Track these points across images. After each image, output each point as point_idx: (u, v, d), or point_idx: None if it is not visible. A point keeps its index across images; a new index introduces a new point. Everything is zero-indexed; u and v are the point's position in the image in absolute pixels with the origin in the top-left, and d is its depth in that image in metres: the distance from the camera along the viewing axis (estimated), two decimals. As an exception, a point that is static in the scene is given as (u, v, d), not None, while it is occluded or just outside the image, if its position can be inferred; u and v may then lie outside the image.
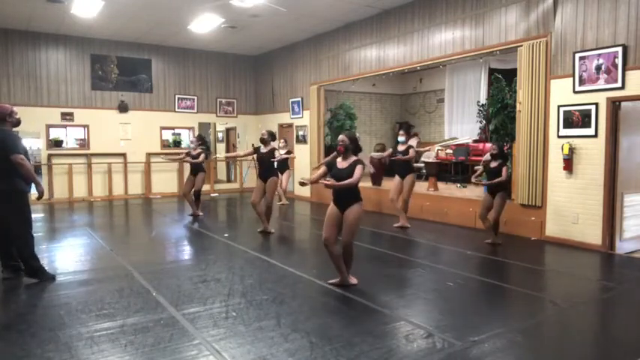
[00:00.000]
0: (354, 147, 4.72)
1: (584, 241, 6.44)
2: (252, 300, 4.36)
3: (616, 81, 6.01)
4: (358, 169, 4.57)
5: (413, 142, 11.47)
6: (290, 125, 12.77)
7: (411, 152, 7.78)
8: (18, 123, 5.00)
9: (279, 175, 8.35)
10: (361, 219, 4.66)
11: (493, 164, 6.50)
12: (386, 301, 4.37)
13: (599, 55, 6.17)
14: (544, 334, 3.84)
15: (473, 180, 7.01)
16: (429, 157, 11.16)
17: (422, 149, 11.93)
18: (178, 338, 3.51)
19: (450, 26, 8.29)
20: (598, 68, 6.20)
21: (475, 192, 8.96)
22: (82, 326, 3.74)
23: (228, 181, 15.29)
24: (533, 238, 7.01)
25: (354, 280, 4.80)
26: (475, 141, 11.36)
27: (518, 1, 7.18)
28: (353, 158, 4.68)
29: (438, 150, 11.76)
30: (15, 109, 5.00)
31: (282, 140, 10.95)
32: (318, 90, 11.56)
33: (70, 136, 12.02)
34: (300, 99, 12.29)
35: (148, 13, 9.77)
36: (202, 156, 9.05)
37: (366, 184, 10.53)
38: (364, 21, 10.11)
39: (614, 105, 6.13)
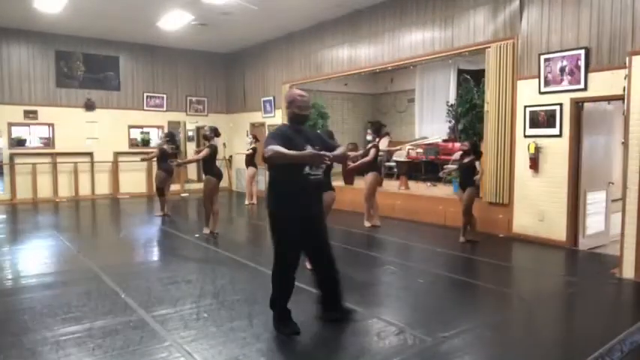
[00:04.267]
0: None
1: (549, 238, 6.62)
2: (223, 300, 4.33)
3: (579, 82, 6.20)
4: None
5: (384, 141, 11.58)
6: (262, 124, 12.70)
7: (372, 152, 7.75)
8: None
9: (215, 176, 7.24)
10: (329, 206, 4.94)
11: (466, 159, 6.63)
12: (358, 299, 4.39)
13: (563, 57, 6.36)
14: (512, 329, 3.94)
15: (441, 175, 7.24)
16: (400, 156, 11.28)
17: (393, 148, 12.05)
18: (148, 340, 3.45)
19: (420, 27, 8.39)
20: (562, 70, 6.38)
21: (444, 190, 9.10)
22: (47, 330, 3.63)
23: (199, 181, 15.08)
24: (501, 235, 7.17)
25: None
26: (444, 140, 11.55)
27: (486, 4, 7.33)
28: None
29: (408, 149, 11.89)
30: None
31: (251, 136, 10.91)
32: (290, 89, 11.51)
33: (33, 135, 11.65)
34: (272, 98, 12.23)
35: (115, 8, 9.54)
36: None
37: (338, 184, 10.57)
38: (336, 20, 10.13)
39: (577, 106, 6.32)
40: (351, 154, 8.16)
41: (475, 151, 6.67)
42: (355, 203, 9.64)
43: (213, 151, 7.05)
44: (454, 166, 6.90)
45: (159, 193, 9.05)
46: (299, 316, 3.97)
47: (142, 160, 10.14)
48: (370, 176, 7.78)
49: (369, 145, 7.92)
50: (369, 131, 8.20)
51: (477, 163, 6.59)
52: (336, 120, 14.16)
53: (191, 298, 4.39)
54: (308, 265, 5.21)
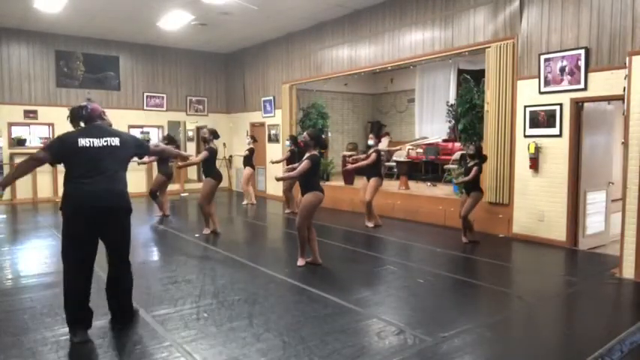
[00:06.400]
0: (315, 143, 5.30)
1: (549, 238, 6.62)
2: (223, 300, 4.32)
3: (579, 82, 6.20)
4: (303, 163, 5.16)
5: (384, 141, 11.59)
6: (262, 124, 12.70)
7: (372, 156, 7.79)
8: None
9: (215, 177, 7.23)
10: (310, 207, 5.21)
11: (470, 164, 6.62)
12: (358, 298, 4.40)
13: (563, 57, 6.36)
14: (512, 329, 3.94)
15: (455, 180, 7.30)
16: (400, 156, 11.29)
17: (393, 148, 12.06)
18: (148, 340, 3.45)
19: (420, 27, 8.39)
20: (562, 70, 6.38)
21: (444, 190, 9.10)
22: (47, 330, 3.63)
23: (199, 180, 15.08)
24: (501, 235, 7.17)
25: (299, 262, 5.43)
26: (444, 140, 11.55)
27: (486, 4, 7.32)
28: (309, 153, 5.26)
29: (409, 149, 11.90)
30: None
31: (249, 137, 10.90)
32: (290, 89, 11.53)
33: (33, 135, 11.65)
34: (272, 98, 12.23)
35: (115, 8, 9.54)
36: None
37: (338, 184, 10.59)
38: (336, 20, 10.13)
39: (577, 105, 6.32)
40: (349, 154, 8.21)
41: (479, 155, 6.65)
42: (355, 203, 9.64)
43: (212, 153, 7.10)
44: (456, 165, 6.90)
45: (152, 195, 9.07)
46: (299, 315, 3.97)
47: (140, 162, 10.11)
48: (373, 181, 7.80)
49: (371, 150, 7.94)
50: (370, 135, 8.23)
51: (473, 169, 6.47)
52: (336, 120, 14.18)
53: (191, 298, 4.39)
54: (299, 262, 5.37)
